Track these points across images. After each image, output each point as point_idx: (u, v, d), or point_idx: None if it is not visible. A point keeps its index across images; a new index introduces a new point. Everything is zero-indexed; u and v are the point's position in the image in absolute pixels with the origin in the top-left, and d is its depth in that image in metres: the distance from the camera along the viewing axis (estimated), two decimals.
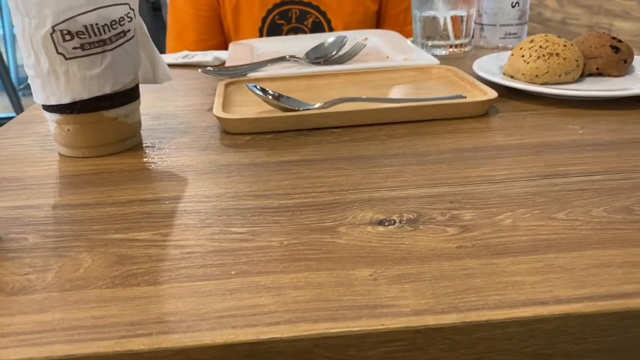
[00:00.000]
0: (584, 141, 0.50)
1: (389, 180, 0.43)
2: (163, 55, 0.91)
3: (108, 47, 0.48)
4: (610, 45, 0.66)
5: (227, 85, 0.67)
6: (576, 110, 0.58)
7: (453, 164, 0.46)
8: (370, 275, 0.31)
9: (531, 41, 0.65)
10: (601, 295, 0.29)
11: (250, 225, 0.37)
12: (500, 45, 0.90)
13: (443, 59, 0.83)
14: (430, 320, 0.27)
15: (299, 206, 0.40)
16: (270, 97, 0.56)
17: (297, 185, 0.43)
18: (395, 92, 0.64)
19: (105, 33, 0.47)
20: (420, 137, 0.52)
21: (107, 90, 0.48)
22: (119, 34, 0.48)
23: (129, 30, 0.49)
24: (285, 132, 0.55)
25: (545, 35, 0.65)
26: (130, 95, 0.52)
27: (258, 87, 0.57)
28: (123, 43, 0.49)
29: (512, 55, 0.66)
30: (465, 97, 0.58)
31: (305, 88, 0.68)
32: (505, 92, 0.63)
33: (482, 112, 0.57)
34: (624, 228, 0.35)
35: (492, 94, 0.57)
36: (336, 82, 0.69)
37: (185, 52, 0.92)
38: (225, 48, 1.08)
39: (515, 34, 0.90)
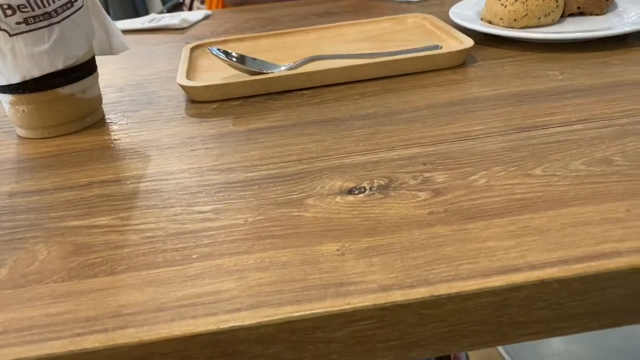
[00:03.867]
0: (564, 88, 0.47)
1: (360, 143, 0.42)
2: (129, 21, 0.87)
3: (55, 20, 0.45)
4: None
5: (193, 50, 0.64)
6: (556, 54, 0.56)
7: (427, 121, 0.44)
8: (338, 250, 0.30)
9: None
10: (577, 257, 0.27)
11: (215, 202, 0.36)
12: None
13: (420, 6, 0.80)
14: (398, 296, 0.26)
15: (266, 178, 0.38)
16: (234, 60, 0.53)
17: (265, 155, 0.41)
18: (369, 46, 0.61)
19: (49, 5, 0.44)
20: (394, 93, 0.50)
21: (59, 65, 0.46)
22: (65, 4, 0.45)
23: (76, 0, 0.46)
24: (254, 97, 0.53)
25: None
26: (85, 69, 0.49)
27: (221, 50, 0.54)
28: (71, 14, 0.46)
29: None
30: (440, 47, 0.56)
31: (275, 47, 0.65)
32: (483, 39, 0.60)
33: (459, 62, 0.54)
34: (603, 181, 0.33)
35: (468, 42, 0.55)
36: (307, 38, 0.66)
37: (152, 16, 0.88)
38: None
39: None
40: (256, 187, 0.37)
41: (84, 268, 0.31)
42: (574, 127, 0.41)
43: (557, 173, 0.35)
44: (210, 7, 1.12)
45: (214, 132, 0.46)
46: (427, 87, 0.51)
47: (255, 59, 0.55)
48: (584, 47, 0.56)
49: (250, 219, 0.34)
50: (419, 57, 0.53)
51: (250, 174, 0.39)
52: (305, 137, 0.44)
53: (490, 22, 0.62)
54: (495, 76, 0.51)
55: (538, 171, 0.35)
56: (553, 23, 0.61)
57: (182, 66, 0.57)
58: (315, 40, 0.65)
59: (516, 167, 0.36)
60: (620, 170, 0.35)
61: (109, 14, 0.47)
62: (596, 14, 0.64)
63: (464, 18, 0.64)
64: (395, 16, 0.68)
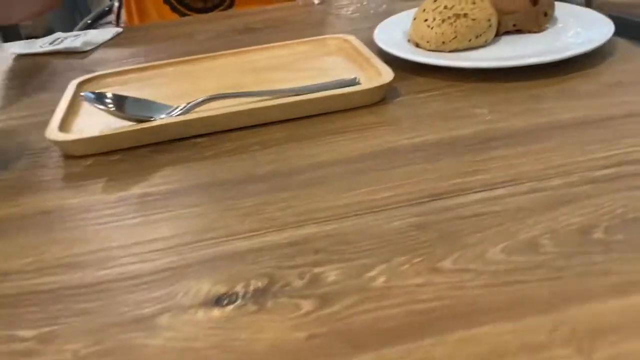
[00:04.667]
0: (491, 132, 0.41)
1: (247, 220, 0.34)
2: (27, 42, 0.78)
3: None
4: None
5: (81, 85, 0.55)
6: (486, 83, 0.49)
7: (331, 184, 0.37)
8: None
9: (435, 0, 0.55)
10: None
11: (45, 321, 0.28)
12: None
13: (349, 19, 0.73)
14: None
15: (119, 280, 0.30)
16: (111, 107, 0.45)
17: (127, 240, 0.34)
18: (281, 77, 0.54)
19: None
20: (299, 143, 0.43)
21: None
22: None
23: None
24: (139, 148, 0.45)
25: None
26: None
27: (95, 94, 0.45)
28: None
29: (415, 18, 0.56)
30: (358, 81, 0.49)
31: (178, 76, 0.57)
32: (409, 65, 0.53)
33: (377, 99, 0.48)
34: (526, 280, 0.27)
35: (387, 75, 0.48)
36: (215, 65, 0.58)
37: (55, 36, 0.79)
38: None
39: None
40: (103, 294, 0.29)
41: None
42: (497, 192, 0.34)
43: (470, 267, 0.28)
44: (130, 20, 1.03)
45: (76, 204, 0.38)
46: (339, 133, 0.44)
47: (139, 101, 0.47)
48: (518, 74, 0.50)
49: (82, 351, 0.26)
50: (330, 96, 0.46)
51: (102, 272, 0.31)
52: (185, 209, 0.36)
53: (417, 45, 0.56)
54: (416, 117, 0.45)
55: (448, 263, 0.29)
56: (486, 44, 0.55)
57: (59, 111, 0.48)
58: (223, 68, 0.58)
59: (423, 257, 0.29)
60: (547, 260, 0.28)
61: None
62: (534, 32, 0.57)
63: (389, 40, 0.57)
64: (315, 38, 0.61)
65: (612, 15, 0.57)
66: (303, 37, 0.68)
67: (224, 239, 0.33)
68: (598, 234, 0.30)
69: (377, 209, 0.34)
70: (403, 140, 0.41)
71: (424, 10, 0.55)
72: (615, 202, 0.32)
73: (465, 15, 0.53)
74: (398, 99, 0.48)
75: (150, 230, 0.34)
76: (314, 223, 0.33)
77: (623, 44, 0.54)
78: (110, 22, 1.18)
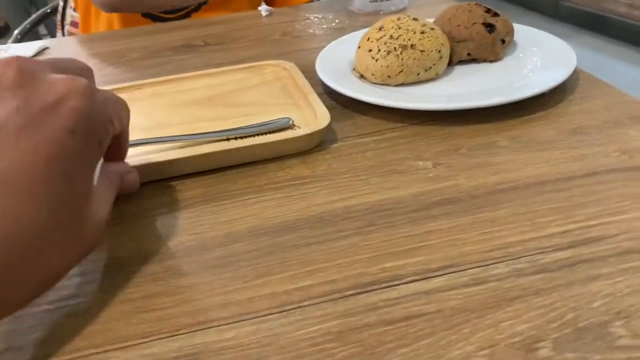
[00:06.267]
0: (432, 195, 0.36)
1: (135, 318, 0.29)
2: None
3: None
4: (483, 23, 0.52)
5: None
6: (435, 126, 0.44)
7: (239, 267, 0.31)
8: None
9: (380, 29, 0.49)
10: None
11: None
12: (381, 10, 0.74)
13: (296, 38, 0.67)
14: None
15: None
16: None
17: None
18: (210, 113, 0.48)
19: None
20: (214, 206, 0.37)
21: None
22: None
23: None
24: None
25: (398, 19, 0.49)
26: None
27: None
28: None
29: (359, 48, 0.51)
30: (292, 123, 0.43)
31: None
32: (351, 99, 0.48)
33: (311, 146, 0.42)
34: None
35: (323, 119, 0.42)
36: (140, 97, 0.52)
37: None
38: None
39: None
40: None
41: None
42: (433, 282, 0.29)
43: None
44: (86, 28, 0.95)
45: None
46: (262, 192, 0.38)
47: None
48: (469, 114, 0.45)
49: None
50: (256, 145, 0.40)
51: None
52: (65, 301, 0.30)
53: (362, 76, 0.50)
54: (352, 170, 0.39)
55: None
56: (437, 77, 0.50)
57: None
58: (148, 100, 0.51)
59: None
60: None
61: None
62: (490, 61, 0.52)
63: (332, 69, 0.51)
64: (251, 64, 0.55)
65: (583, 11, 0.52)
66: (244, 56, 0.62)
67: (105, 348, 0.27)
68: (545, 351, 0.25)
69: (290, 307, 0.28)
70: (335, 202, 0.36)
71: (368, 39, 0.49)
72: (566, 303, 0.27)
73: (412, 46, 0.48)
74: (335, 145, 0.43)
75: (16, 333, 0.28)
76: (211, 327, 0.28)
77: (583, 75, 0.50)
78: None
